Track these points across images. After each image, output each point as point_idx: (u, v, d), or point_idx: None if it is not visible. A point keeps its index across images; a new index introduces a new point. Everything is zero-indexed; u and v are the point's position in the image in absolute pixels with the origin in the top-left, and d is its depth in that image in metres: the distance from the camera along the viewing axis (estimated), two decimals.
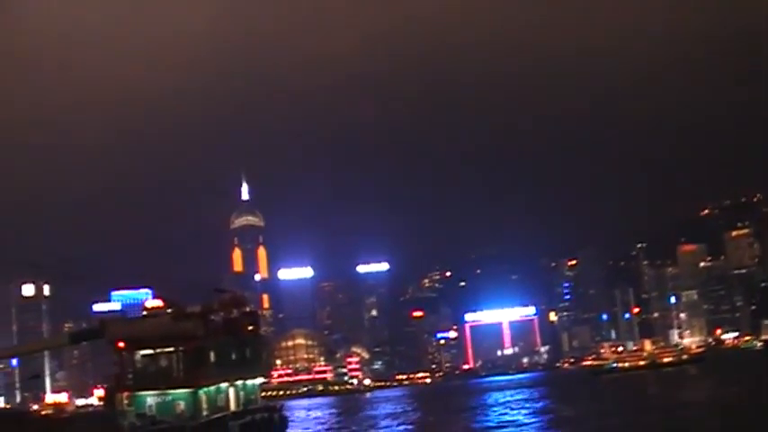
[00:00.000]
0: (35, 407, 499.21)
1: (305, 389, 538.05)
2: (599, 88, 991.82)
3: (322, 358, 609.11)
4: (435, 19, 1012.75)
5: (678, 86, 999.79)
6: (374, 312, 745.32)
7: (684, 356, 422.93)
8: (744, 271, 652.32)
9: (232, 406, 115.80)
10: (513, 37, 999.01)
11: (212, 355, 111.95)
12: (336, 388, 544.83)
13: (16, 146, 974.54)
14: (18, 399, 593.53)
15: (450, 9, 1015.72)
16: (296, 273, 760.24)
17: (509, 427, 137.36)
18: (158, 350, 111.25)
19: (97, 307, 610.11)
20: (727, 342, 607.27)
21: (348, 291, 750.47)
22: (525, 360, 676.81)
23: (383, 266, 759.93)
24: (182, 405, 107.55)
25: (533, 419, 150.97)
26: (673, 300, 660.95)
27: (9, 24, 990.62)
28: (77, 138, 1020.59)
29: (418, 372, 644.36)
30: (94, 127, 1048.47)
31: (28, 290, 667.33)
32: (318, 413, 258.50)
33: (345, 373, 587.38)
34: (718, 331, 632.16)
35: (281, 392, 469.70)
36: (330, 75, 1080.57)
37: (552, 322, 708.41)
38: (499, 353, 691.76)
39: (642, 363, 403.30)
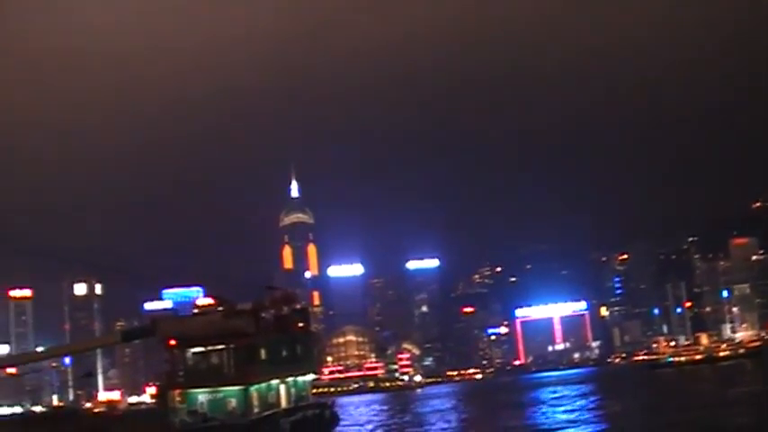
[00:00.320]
0: (88, 405, 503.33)
1: (356, 385, 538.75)
2: (646, 82, 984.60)
3: (373, 355, 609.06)
4: (479, 12, 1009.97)
5: (733, 79, 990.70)
6: (424, 309, 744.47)
7: (741, 351, 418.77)
8: None
9: (283, 403, 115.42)
10: (561, 24, 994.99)
11: (263, 353, 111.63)
12: (387, 384, 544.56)
13: (67, 147, 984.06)
14: (71, 397, 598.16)
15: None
16: (346, 270, 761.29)
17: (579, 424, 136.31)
18: (209, 348, 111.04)
19: (149, 305, 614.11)
20: None
21: (398, 287, 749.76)
22: (576, 355, 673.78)
23: (433, 262, 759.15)
24: (233, 402, 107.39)
25: (599, 415, 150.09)
26: (725, 294, 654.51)
27: (63, 24, 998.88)
28: (128, 138, 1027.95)
29: (469, 368, 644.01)
30: (146, 127, 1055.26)
31: (80, 289, 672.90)
32: (369, 409, 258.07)
33: (396, 370, 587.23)
34: None
35: (333, 389, 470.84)
36: (379, 70, 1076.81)
37: (603, 317, 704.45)
38: (550, 348, 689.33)
39: (698, 357, 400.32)
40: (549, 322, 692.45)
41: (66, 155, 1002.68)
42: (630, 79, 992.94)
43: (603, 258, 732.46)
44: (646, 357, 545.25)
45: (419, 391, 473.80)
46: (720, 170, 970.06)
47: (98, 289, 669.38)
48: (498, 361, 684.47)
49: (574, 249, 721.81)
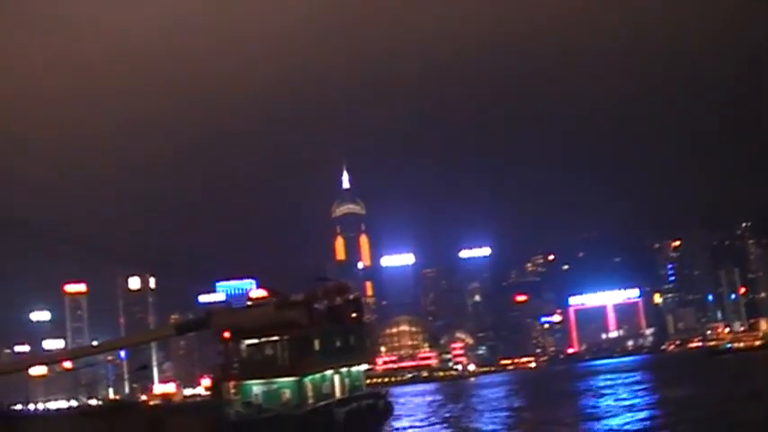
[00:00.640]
0: (144, 397, 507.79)
1: (410, 375, 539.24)
2: (699, 66, 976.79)
3: (426, 344, 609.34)
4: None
5: None
6: (477, 298, 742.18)
7: None
8: None
9: (337, 393, 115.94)
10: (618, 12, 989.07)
11: (317, 343, 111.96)
12: (441, 374, 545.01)
13: (120, 145, 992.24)
14: (127, 390, 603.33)
15: None
16: (398, 260, 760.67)
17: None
18: (263, 339, 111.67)
19: (202, 298, 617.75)
20: None
21: (451, 277, 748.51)
22: (630, 343, 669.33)
23: (485, 251, 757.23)
24: (287, 393, 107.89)
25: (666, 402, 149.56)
26: None
27: (128, 24, 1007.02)
28: (182, 133, 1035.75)
29: (522, 357, 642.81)
30: (198, 122, 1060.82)
31: (134, 283, 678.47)
32: (423, 399, 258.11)
33: (450, 359, 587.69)
34: None
35: (387, 379, 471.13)
36: (427, 59, 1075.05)
37: (656, 304, 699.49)
38: (603, 336, 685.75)
39: (758, 343, 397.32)
40: (602, 310, 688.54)
41: (122, 150, 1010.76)
42: (682, 62, 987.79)
43: (656, 245, 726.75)
44: (701, 344, 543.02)
45: (472, 380, 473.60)
46: None
47: (152, 283, 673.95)
48: (552, 349, 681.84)
49: (626, 236, 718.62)
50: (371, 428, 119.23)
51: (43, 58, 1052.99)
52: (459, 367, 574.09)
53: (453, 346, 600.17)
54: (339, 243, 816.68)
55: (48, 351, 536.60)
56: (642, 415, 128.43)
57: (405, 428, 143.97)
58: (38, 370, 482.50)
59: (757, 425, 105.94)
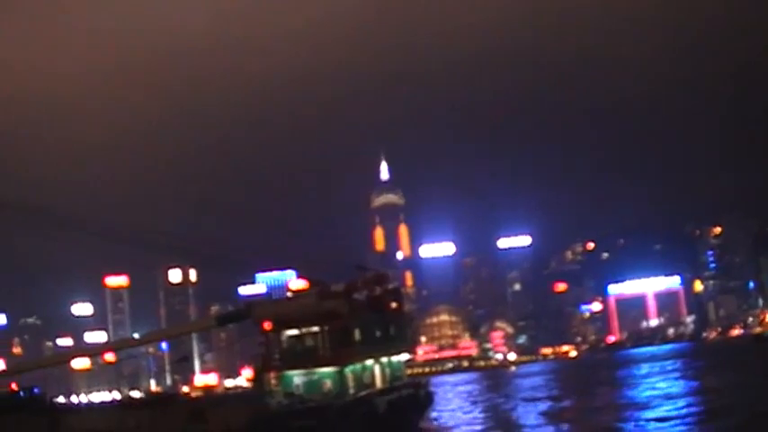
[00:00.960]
0: (185, 389, 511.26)
1: (450, 365, 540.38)
2: (745, 53, 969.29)
3: (466, 334, 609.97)
4: None
5: None
6: (517, 287, 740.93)
7: None
8: None
9: (378, 383, 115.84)
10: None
11: (357, 333, 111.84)
12: (482, 363, 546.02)
13: (163, 139, 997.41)
14: (168, 381, 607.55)
15: None
16: (438, 249, 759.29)
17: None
18: (304, 330, 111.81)
19: (243, 289, 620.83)
20: None
21: (490, 266, 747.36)
22: (671, 331, 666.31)
23: (525, 240, 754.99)
24: (328, 383, 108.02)
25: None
26: None
27: (158, 23, 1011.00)
28: (224, 126, 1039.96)
29: (563, 345, 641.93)
30: (241, 114, 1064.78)
31: (175, 275, 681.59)
32: (464, 388, 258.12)
33: (490, 349, 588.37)
34: None
35: (427, 369, 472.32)
36: (468, 48, 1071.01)
37: (697, 292, 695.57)
38: (644, 324, 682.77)
39: None
40: (642, 298, 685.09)
41: (164, 144, 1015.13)
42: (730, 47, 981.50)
43: (697, 232, 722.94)
44: (742, 331, 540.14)
45: (513, 369, 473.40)
46: None
47: (192, 275, 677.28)
48: (592, 338, 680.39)
49: (666, 223, 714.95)
50: (413, 418, 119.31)
51: (87, 43, 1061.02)
52: (500, 356, 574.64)
53: (493, 335, 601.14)
54: (378, 233, 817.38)
55: (90, 344, 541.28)
56: (683, 402, 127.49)
57: (444, 417, 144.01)
58: (80, 363, 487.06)
59: None
